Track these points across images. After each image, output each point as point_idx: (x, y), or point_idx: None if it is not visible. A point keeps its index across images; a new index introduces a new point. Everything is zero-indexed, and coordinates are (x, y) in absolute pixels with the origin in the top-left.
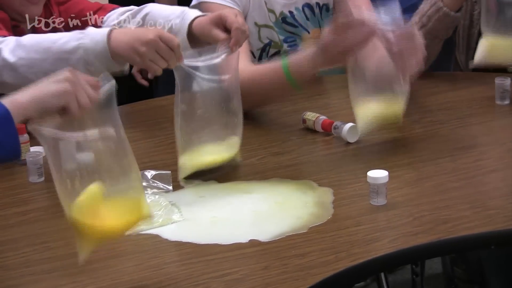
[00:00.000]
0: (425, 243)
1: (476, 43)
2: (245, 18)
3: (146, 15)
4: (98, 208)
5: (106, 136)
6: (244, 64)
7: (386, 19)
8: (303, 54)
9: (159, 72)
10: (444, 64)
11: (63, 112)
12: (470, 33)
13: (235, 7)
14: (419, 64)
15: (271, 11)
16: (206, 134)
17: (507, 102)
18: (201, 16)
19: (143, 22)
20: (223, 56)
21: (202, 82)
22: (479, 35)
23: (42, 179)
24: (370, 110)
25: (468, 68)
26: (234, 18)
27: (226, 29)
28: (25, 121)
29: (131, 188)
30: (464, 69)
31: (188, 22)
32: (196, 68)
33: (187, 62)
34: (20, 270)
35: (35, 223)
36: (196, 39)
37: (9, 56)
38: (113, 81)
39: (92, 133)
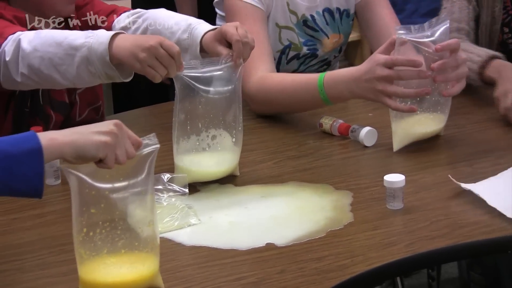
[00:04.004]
0: (442, 248)
1: (498, 39)
2: (268, 18)
3: (148, 23)
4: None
5: (135, 192)
6: (270, 68)
7: (430, 32)
8: (343, 76)
9: (158, 79)
10: None
11: (99, 163)
12: (492, 29)
13: (258, 5)
14: (461, 79)
15: (293, 12)
16: (203, 146)
17: None
18: (209, 31)
19: (146, 28)
20: (225, 69)
21: (202, 93)
22: (502, 31)
23: (59, 181)
24: (410, 127)
25: None
26: (234, 31)
27: (229, 44)
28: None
29: (147, 244)
30: None
31: (199, 39)
32: (196, 78)
33: (188, 72)
34: (37, 273)
35: (51, 226)
36: (206, 53)
37: (27, 47)
38: (158, 145)
39: (121, 186)
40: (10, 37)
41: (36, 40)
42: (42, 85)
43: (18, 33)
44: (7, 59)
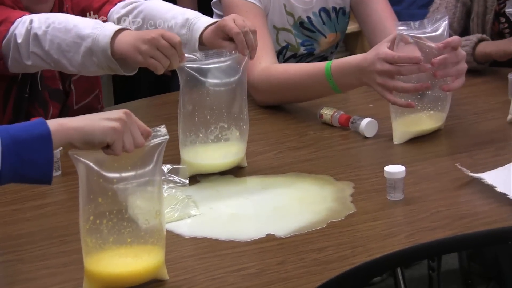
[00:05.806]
0: (442, 239)
1: (495, 30)
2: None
3: (144, 15)
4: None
5: (142, 182)
6: (273, 60)
7: (430, 29)
8: (350, 64)
9: (160, 70)
10: None
11: (106, 149)
12: (485, 19)
13: (257, 3)
14: (461, 74)
15: (290, 14)
16: (209, 138)
17: None
18: (208, 26)
19: (143, 23)
20: (229, 60)
21: (206, 85)
22: (494, 21)
23: (59, 172)
24: (410, 125)
25: None
26: (232, 25)
27: (230, 37)
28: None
29: (153, 235)
30: None
31: (198, 35)
32: (200, 70)
33: (191, 64)
34: (37, 263)
35: (52, 217)
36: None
37: (38, 28)
38: (167, 137)
39: (129, 175)
40: (18, 20)
41: (48, 23)
42: (52, 67)
43: (29, 15)
44: (19, 41)
